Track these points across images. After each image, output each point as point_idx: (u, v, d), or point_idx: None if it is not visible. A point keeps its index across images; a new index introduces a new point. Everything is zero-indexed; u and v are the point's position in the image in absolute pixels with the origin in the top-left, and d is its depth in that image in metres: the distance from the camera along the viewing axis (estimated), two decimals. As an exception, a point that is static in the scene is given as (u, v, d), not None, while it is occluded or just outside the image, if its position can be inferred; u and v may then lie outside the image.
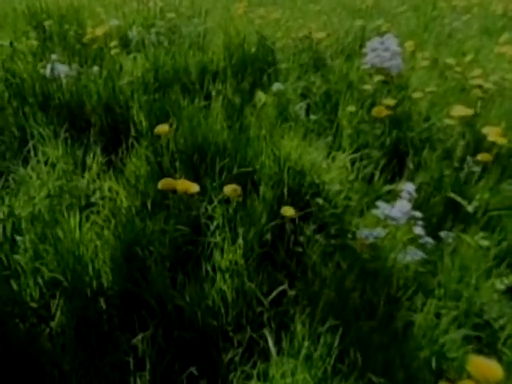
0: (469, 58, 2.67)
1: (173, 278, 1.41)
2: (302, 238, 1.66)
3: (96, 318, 1.34)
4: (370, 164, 2.04)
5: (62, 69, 2.46)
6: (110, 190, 1.94)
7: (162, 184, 1.54)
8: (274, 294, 1.38)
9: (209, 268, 1.42)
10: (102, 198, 1.90)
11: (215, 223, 1.52)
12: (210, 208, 1.57)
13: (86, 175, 1.96)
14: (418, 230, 1.48)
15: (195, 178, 1.84)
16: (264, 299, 1.37)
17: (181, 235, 1.48)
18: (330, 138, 2.10)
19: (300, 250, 1.63)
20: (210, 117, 2.14)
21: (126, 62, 2.59)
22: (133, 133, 2.14)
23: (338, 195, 1.83)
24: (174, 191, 1.51)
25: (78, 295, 1.37)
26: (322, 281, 1.52)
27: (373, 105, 2.30)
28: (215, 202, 1.58)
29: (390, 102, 2.10)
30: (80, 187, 1.91)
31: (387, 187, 2.00)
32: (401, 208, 1.44)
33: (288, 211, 1.58)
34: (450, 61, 2.69)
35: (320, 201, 1.68)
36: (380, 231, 1.49)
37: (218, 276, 1.38)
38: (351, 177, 1.95)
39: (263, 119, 2.16)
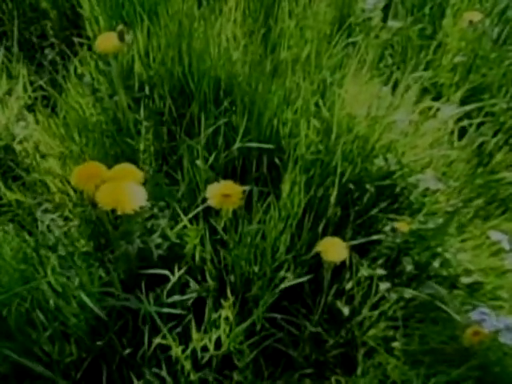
0: None
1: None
2: (350, 286, 0.87)
3: None
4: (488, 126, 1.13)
5: None
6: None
7: (77, 177, 0.75)
8: None
9: None
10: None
11: (176, 275, 0.73)
12: (172, 233, 0.77)
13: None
14: None
15: (170, 140, 1.02)
16: None
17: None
18: (420, 72, 1.18)
19: (346, 313, 0.85)
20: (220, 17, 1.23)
21: None
22: (90, 35, 1.28)
23: (427, 195, 0.99)
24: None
25: None
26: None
27: (504, 12, 1.31)
28: (185, 221, 0.77)
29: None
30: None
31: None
32: None
33: (330, 251, 0.77)
34: None
35: (402, 226, 0.84)
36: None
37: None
38: (454, 154, 1.07)
39: (308, 25, 1.23)
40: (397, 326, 0.86)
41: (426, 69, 1.20)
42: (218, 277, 0.81)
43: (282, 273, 0.83)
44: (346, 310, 0.85)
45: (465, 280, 0.98)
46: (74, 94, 1.11)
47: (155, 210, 0.79)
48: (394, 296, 0.87)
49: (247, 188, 0.87)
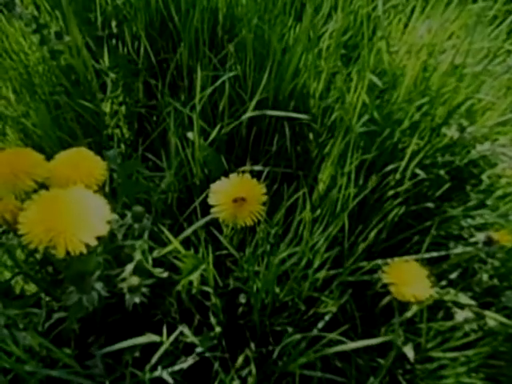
0: None
1: None
2: (411, 313, 0.61)
3: None
4: None
5: None
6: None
7: None
8: None
9: None
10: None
11: (166, 343, 0.46)
12: (155, 258, 0.48)
13: None
14: None
15: (148, 100, 0.71)
16: None
17: None
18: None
19: (411, 357, 0.60)
20: None
21: None
22: None
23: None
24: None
25: None
26: None
27: None
28: (175, 243, 0.48)
29: None
30: None
31: None
32: None
33: (406, 284, 0.50)
34: None
35: (503, 237, 0.56)
36: None
37: None
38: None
39: None
40: (477, 366, 0.62)
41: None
42: (225, 313, 0.54)
43: (321, 304, 0.56)
44: (410, 353, 0.59)
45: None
46: (11, 31, 0.78)
47: (127, 218, 0.50)
48: (474, 326, 0.62)
49: (263, 169, 0.59)
